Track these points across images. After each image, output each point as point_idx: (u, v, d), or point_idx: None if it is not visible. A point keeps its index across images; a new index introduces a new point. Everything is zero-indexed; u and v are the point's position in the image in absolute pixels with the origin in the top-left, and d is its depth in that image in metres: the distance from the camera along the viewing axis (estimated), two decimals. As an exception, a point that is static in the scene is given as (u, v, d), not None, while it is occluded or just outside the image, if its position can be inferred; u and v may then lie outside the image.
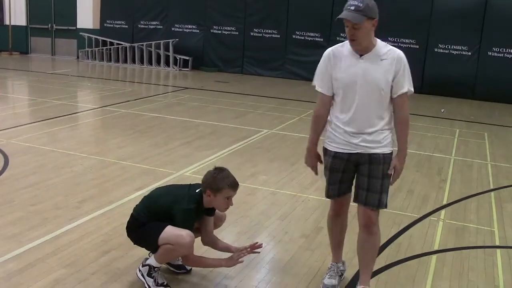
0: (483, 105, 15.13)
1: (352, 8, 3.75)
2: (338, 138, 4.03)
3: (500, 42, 15.64)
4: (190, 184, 4.32)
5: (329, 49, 4.08)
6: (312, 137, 4.20)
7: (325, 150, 4.15)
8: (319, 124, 4.17)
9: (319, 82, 4.11)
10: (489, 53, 15.80)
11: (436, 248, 5.28)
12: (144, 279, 4.14)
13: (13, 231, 5.02)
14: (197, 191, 4.13)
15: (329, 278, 4.35)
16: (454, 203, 6.61)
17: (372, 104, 3.92)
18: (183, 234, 3.95)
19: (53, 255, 4.58)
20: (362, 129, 3.94)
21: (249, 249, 4.20)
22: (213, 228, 4.39)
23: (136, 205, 4.28)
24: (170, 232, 3.98)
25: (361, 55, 3.90)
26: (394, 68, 3.87)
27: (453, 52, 16.00)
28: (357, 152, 3.98)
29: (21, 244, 4.74)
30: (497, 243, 5.51)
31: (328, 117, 4.15)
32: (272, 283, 4.41)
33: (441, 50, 15.89)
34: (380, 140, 3.96)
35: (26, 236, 4.91)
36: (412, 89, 3.97)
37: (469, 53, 15.98)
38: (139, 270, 4.19)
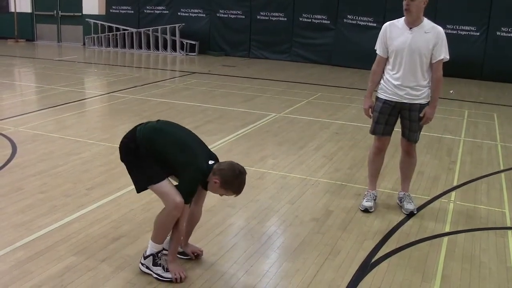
0: (492, 85, 15.01)
1: None
2: (389, 90, 5.37)
3: (509, 22, 15.47)
4: (209, 149, 4.28)
5: (387, 23, 5.44)
6: (369, 87, 5.54)
7: (377, 98, 5.52)
8: (375, 77, 5.49)
9: (377, 47, 5.44)
10: (498, 33, 15.65)
11: (447, 230, 5.25)
12: (151, 270, 4.11)
13: (23, 219, 5.02)
14: (210, 162, 4.06)
15: (366, 201, 5.64)
16: (465, 185, 6.57)
17: (415, 66, 5.23)
18: (175, 192, 3.95)
19: (63, 243, 4.58)
20: (407, 84, 5.27)
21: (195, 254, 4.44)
22: (203, 200, 4.39)
23: (141, 128, 4.14)
24: (167, 187, 3.99)
25: (410, 28, 5.23)
26: (434, 40, 5.18)
27: (461, 32, 15.87)
28: (401, 102, 5.33)
29: (31, 232, 4.75)
30: (508, 224, 5.48)
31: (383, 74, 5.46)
32: (283, 267, 4.39)
33: (449, 31, 15.60)
34: (419, 94, 5.30)
35: (36, 224, 4.92)
36: (448, 57, 5.26)
37: (477, 34, 15.84)
38: (142, 264, 4.16)
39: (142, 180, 4.09)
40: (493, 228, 5.36)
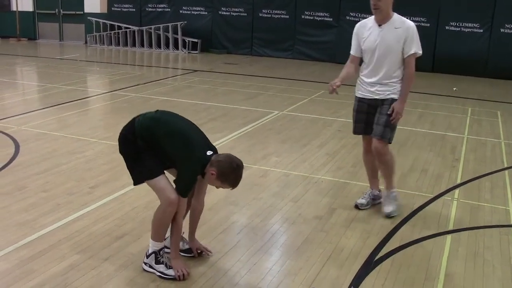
0: (496, 83, 14.97)
1: None
2: (362, 88, 5.41)
3: (513, 19, 15.44)
4: (208, 139, 4.28)
5: (358, 23, 5.50)
6: (341, 74, 5.37)
7: (355, 97, 5.51)
8: (347, 70, 5.44)
9: (352, 46, 5.49)
10: (502, 30, 15.60)
11: (451, 227, 5.24)
12: (153, 268, 4.11)
13: (26, 217, 5.02)
14: (208, 153, 4.05)
15: (361, 198, 5.64)
16: (468, 182, 6.55)
17: (386, 63, 5.21)
18: (170, 189, 3.97)
19: (66, 241, 4.57)
20: (378, 81, 5.27)
21: (199, 252, 4.43)
22: (205, 192, 4.36)
23: (139, 119, 4.14)
24: (163, 183, 4.00)
25: (380, 25, 5.21)
26: (404, 35, 5.14)
27: (464, 29, 15.80)
28: (374, 98, 5.31)
29: (34, 231, 4.74)
30: (513, 222, 5.47)
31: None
32: (286, 265, 4.38)
33: (453, 28, 15.69)
34: (390, 90, 5.25)
35: (39, 223, 4.91)
36: (420, 52, 5.23)
37: (481, 30, 15.77)
38: (145, 264, 4.16)
39: (139, 173, 4.11)
40: (497, 226, 5.34)
